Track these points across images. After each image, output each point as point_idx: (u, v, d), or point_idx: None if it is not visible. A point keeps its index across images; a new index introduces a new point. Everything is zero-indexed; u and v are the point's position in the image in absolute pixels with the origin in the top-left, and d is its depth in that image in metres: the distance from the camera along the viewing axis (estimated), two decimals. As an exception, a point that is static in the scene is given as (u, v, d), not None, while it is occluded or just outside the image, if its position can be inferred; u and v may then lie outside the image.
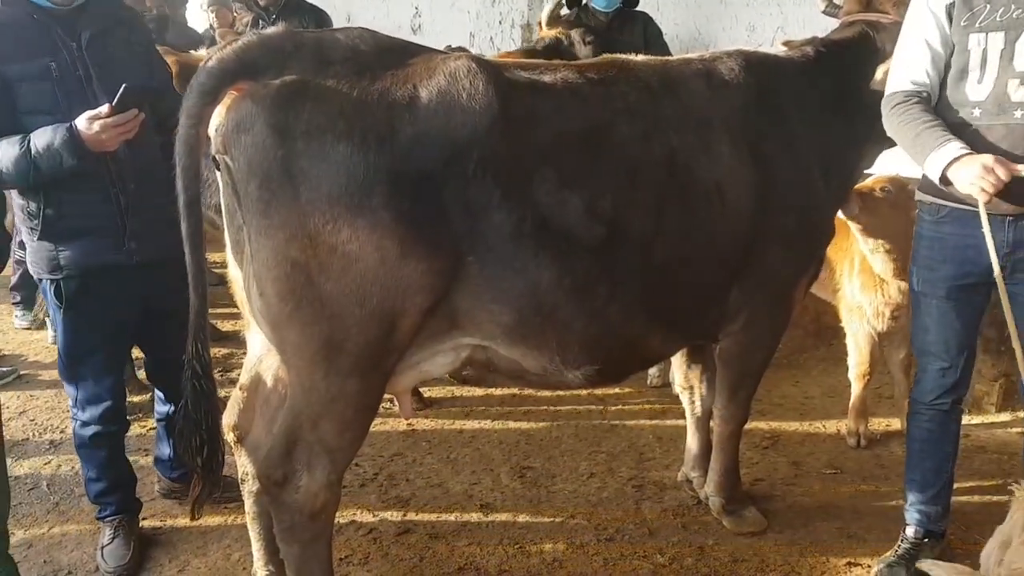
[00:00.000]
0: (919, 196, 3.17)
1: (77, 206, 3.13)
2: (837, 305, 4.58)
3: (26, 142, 2.93)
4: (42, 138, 2.93)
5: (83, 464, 3.50)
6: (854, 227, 3.93)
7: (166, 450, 3.81)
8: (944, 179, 2.77)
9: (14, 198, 3.22)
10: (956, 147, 2.74)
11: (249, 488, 3.07)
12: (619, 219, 2.79)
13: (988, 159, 2.64)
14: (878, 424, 4.62)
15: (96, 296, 3.22)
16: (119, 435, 3.51)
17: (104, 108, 2.96)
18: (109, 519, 3.49)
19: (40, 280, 3.27)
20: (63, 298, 3.20)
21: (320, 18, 6.01)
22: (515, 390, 5.06)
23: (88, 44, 3.11)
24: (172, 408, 3.59)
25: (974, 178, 2.64)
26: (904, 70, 3.01)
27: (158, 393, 3.77)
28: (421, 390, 4.90)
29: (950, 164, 2.72)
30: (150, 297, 3.32)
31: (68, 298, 3.20)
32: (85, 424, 3.37)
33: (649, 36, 5.58)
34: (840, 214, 3.73)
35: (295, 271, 2.46)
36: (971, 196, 2.69)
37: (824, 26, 3.90)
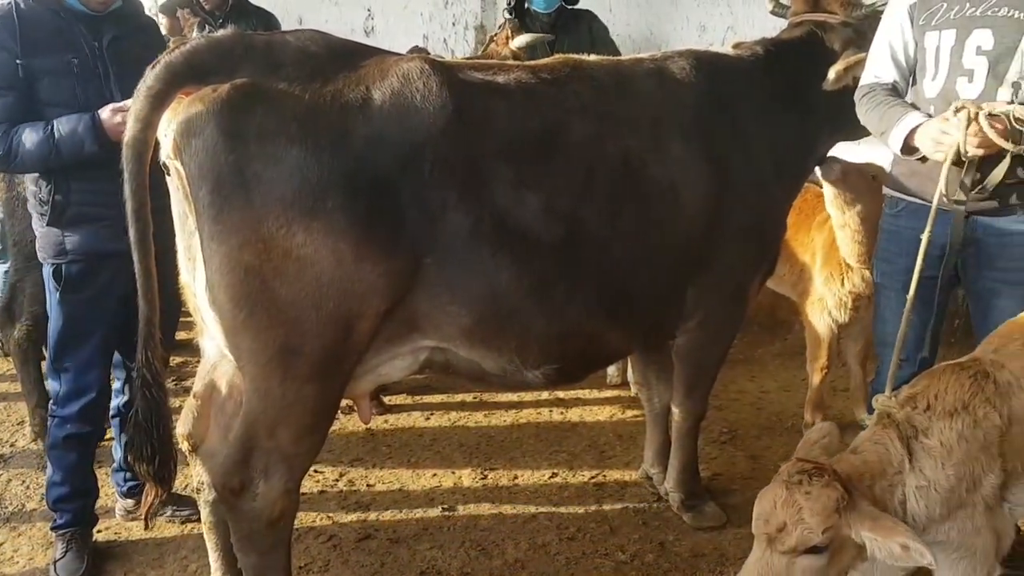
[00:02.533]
0: (884, 190, 3.24)
1: (86, 195, 3.22)
2: (797, 299, 4.64)
3: (50, 127, 3.09)
4: (66, 124, 3.09)
5: (50, 466, 3.45)
6: (829, 194, 3.97)
7: (119, 453, 3.74)
8: (907, 148, 2.85)
9: (27, 185, 3.36)
10: (917, 117, 2.84)
11: (205, 497, 3.03)
12: (576, 218, 2.80)
13: (937, 122, 2.72)
14: (833, 417, 4.68)
15: (95, 282, 3.30)
16: (92, 440, 3.49)
17: (130, 102, 3.01)
18: (63, 531, 3.44)
19: (45, 264, 3.35)
20: (62, 281, 3.28)
21: (268, 21, 5.93)
22: (475, 393, 5.05)
23: (109, 45, 3.23)
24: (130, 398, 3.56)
25: (933, 143, 2.73)
26: (870, 67, 3.13)
27: (117, 385, 3.70)
28: (381, 395, 4.87)
29: (912, 133, 2.81)
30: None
31: (68, 282, 3.28)
32: (63, 422, 3.36)
33: (595, 34, 5.55)
34: (818, 172, 3.78)
35: (249, 276, 2.43)
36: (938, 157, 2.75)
37: (774, 26, 3.95)
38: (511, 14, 5.39)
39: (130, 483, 3.73)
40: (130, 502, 3.75)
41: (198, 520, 3.29)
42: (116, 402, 3.70)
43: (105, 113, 3.09)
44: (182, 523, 3.71)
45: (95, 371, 3.40)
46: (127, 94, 3.08)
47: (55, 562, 3.40)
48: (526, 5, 5.50)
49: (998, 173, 2.76)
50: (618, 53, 5.00)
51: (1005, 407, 2.36)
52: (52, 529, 3.48)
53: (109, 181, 3.11)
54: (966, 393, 2.37)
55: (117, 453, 3.76)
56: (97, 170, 3.13)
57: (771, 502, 2.20)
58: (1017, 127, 2.62)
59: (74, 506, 3.46)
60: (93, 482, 3.56)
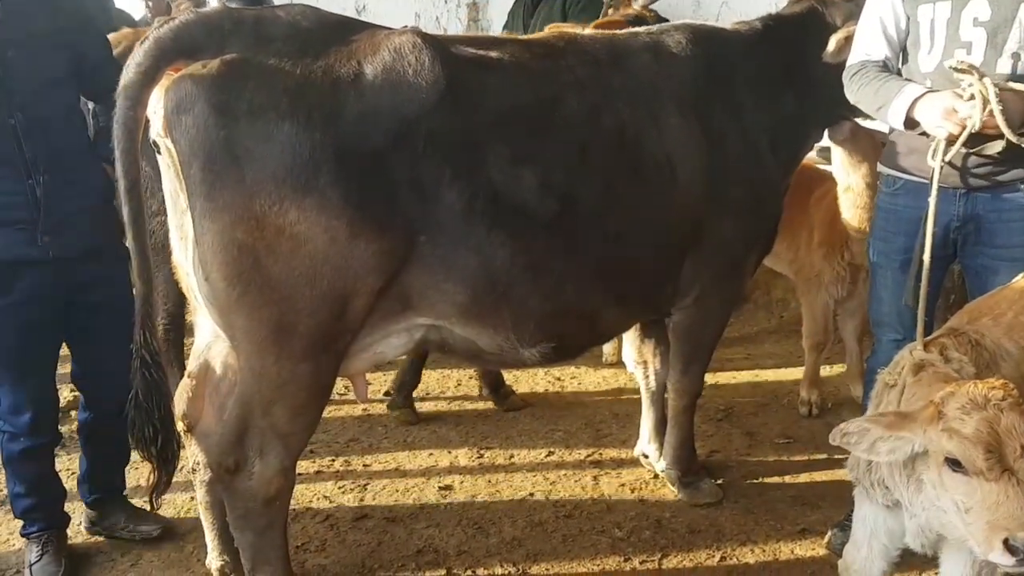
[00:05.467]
0: (879, 168, 3.20)
1: None
2: (793, 277, 4.62)
3: None
4: None
5: (9, 479, 3.27)
6: (836, 156, 3.95)
7: (84, 465, 3.51)
8: (909, 122, 2.79)
9: None
10: (917, 88, 2.78)
11: (201, 477, 3.02)
12: (571, 194, 2.78)
13: (947, 98, 2.66)
14: (829, 394, 4.70)
15: (10, 292, 3.00)
16: (48, 449, 3.29)
17: None
18: (35, 535, 3.28)
19: None
20: None
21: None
22: (471, 371, 5.05)
23: (1, 21, 2.86)
24: (92, 416, 3.36)
25: (940, 121, 2.66)
26: (860, 45, 3.06)
27: (81, 399, 3.45)
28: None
29: (913, 105, 2.75)
30: (72, 292, 3.10)
31: None
32: (13, 437, 3.16)
33: None
34: (826, 137, 3.76)
35: (242, 254, 2.41)
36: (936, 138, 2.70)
37: (770, 2, 3.92)
38: None
39: (94, 496, 3.50)
40: (93, 514, 3.53)
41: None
42: (82, 418, 3.43)
43: None
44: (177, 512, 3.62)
45: (33, 379, 3.13)
46: (18, 79, 2.87)
47: (30, 565, 3.23)
48: None
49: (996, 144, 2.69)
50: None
51: (999, 374, 2.35)
52: (23, 535, 3.32)
53: (17, 180, 2.91)
54: (973, 357, 2.34)
55: (83, 466, 3.51)
56: (5, 167, 2.90)
57: (988, 433, 1.96)
58: None
59: (42, 513, 3.29)
60: (57, 486, 3.35)
